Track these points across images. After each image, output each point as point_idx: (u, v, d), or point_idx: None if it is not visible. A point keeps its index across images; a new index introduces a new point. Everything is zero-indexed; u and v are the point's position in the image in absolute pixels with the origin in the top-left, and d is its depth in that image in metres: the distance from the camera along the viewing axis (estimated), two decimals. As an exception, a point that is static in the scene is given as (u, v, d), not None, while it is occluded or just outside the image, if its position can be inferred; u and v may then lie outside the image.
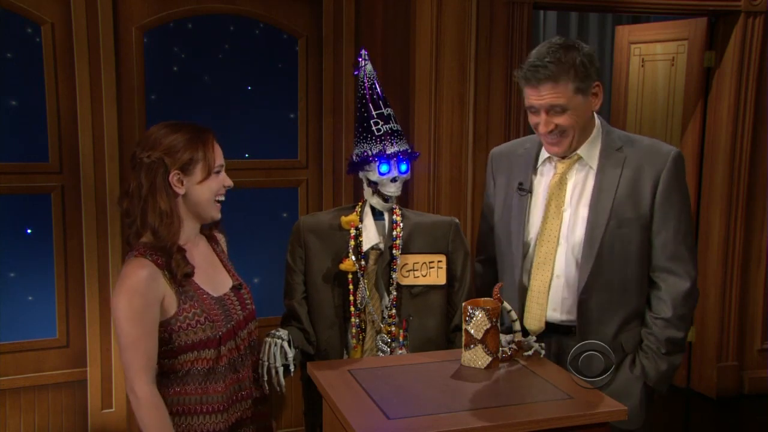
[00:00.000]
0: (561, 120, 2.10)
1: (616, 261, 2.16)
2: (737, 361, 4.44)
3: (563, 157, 2.21)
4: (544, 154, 2.27)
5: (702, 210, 4.38)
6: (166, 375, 1.96)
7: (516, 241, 2.24)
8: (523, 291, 2.25)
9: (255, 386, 2.08)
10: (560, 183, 2.21)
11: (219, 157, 1.99)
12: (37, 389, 3.28)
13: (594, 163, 2.19)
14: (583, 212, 2.18)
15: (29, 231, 3.24)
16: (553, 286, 2.21)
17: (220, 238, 2.17)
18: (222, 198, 2.02)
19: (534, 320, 2.23)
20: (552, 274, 2.20)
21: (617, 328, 2.20)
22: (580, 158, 2.20)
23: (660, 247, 2.18)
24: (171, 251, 1.90)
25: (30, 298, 3.25)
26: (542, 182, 2.26)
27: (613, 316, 2.19)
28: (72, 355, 3.32)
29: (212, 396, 1.94)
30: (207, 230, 2.10)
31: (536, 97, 2.10)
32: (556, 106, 2.08)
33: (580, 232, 2.18)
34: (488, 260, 2.45)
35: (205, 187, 1.96)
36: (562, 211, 2.20)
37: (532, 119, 2.16)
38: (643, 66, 4.80)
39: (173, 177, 1.91)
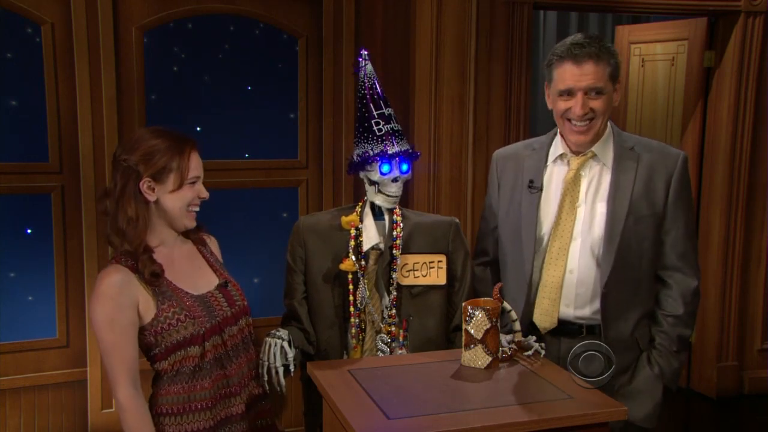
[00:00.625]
0: (596, 104, 2.13)
1: (632, 258, 2.19)
2: (737, 361, 4.44)
3: (577, 153, 2.22)
4: (554, 152, 2.28)
5: (702, 210, 4.38)
6: (159, 377, 1.97)
7: (527, 237, 2.24)
8: (532, 287, 2.25)
9: (256, 383, 2.08)
10: (575, 179, 2.22)
11: (195, 169, 1.97)
12: (37, 389, 3.28)
13: (608, 161, 2.22)
14: (601, 208, 2.20)
15: (29, 231, 3.24)
16: (566, 281, 2.21)
17: (209, 239, 2.17)
18: (196, 208, 2.01)
19: (546, 316, 2.23)
20: (565, 268, 2.21)
21: (634, 324, 2.22)
22: (594, 155, 2.22)
23: (670, 246, 2.21)
24: (137, 253, 1.91)
25: (30, 298, 3.24)
26: (553, 179, 2.27)
27: (630, 313, 2.22)
28: (72, 355, 3.32)
29: (199, 393, 1.95)
30: (194, 233, 2.10)
31: (577, 76, 2.11)
32: (595, 87, 2.11)
33: (598, 227, 2.19)
34: (490, 263, 2.44)
35: (177, 197, 1.95)
36: (576, 206, 2.21)
37: (563, 105, 2.16)
38: (643, 66, 4.80)
39: (144, 184, 1.91)
